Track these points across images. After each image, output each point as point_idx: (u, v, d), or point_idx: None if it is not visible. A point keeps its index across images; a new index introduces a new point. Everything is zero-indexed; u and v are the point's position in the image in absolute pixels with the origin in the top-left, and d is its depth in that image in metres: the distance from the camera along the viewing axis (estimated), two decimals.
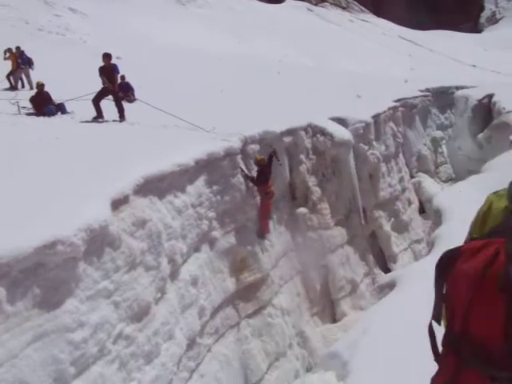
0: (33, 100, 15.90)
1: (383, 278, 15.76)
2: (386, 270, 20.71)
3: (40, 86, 16.27)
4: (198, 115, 14.87)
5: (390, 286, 10.25)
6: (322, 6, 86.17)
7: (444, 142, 34.86)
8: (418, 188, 27.92)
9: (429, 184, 28.51)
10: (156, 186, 9.50)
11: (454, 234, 12.30)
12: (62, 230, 6.59)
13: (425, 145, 30.84)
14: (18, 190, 7.63)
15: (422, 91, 32.42)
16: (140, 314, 8.23)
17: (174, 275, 9.84)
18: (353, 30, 76.02)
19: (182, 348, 9.50)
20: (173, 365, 8.92)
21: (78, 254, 6.80)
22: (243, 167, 13.19)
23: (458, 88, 37.29)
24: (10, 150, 10.13)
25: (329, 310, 17.72)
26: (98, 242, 7.39)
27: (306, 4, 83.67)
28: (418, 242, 24.23)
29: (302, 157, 16.71)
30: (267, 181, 13.55)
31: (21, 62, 21.06)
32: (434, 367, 1.87)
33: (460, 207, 14.76)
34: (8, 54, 21.57)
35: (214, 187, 11.80)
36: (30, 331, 6.14)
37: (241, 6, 69.76)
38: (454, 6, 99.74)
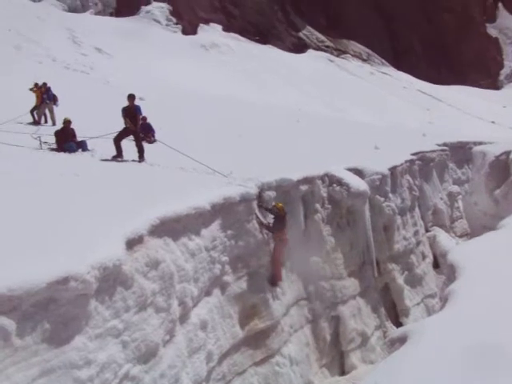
0: (57, 134, 16.12)
1: (395, 331, 15.47)
2: (398, 324, 20.38)
3: (67, 122, 16.52)
4: (216, 159, 15.00)
5: (402, 340, 10.08)
6: (343, 58, 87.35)
7: (460, 196, 34.70)
8: (432, 242, 27.66)
9: (444, 238, 28.24)
10: (171, 228, 9.55)
11: (468, 289, 12.14)
12: (75, 266, 6.63)
13: (441, 199, 30.71)
14: (35, 224, 7.72)
15: (439, 145, 32.47)
16: (147, 356, 8.18)
17: (183, 318, 9.79)
18: (373, 82, 76.80)
19: None
20: None
21: (89, 292, 6.82)
22: (259, 214, 13.21)
23: (475, 143, 37.28)
24: (31, 184, 10.26)
25: (338, 361, 17.42)
26: (111, 280, 7.41)
27: (328, 55, 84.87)
28: (431, 296, 23.89)
29: (318, 206, 16.71)
30: (283, 228, 13.55)
31: (46, 97, 21.48)
32: None
33: (475, 263, 14.60)
34: (34, 88, 22.03)
35: (229, 231, 11.82)
36: (37, 366, 6.13)
37: (263, 54, 70.93)
38: (473, 62, 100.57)
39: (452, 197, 33.40)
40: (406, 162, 24.17)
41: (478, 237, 20.86)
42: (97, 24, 59.35)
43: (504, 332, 9.00)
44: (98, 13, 68.20)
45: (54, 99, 21.80)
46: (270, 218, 13.63)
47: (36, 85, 22.23)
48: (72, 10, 66.02)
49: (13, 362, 5.89)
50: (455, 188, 34.30)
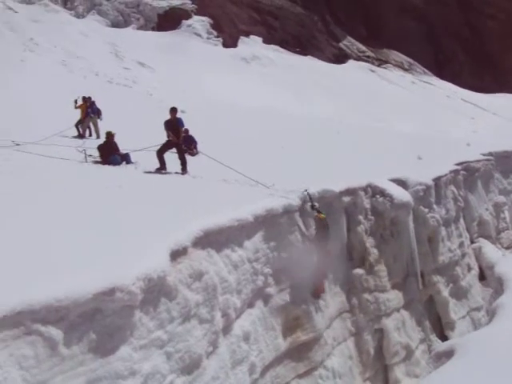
0: (100, 148, 16.44)
1: (441, 345, 15.16)
2: (443, 338, 19.98)
3: (110, 135, 16.82)
4: (258, 171, 15.04)
5: (448, 354, 9.88)
6: (384, 68, 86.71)
7: (506, 207, 33.92)
8: (478, 254, 27.07)
9: (490, 250, 27.61)
10: (214, 240, 9.59)
11: None
12: (120, 277, 6.71)
13: (487, 210, 30.06)
14: (81, 236, 7.85)
15: (484, 155, 31.85)
16: (191, 367, 8.19)
17: (226, 330, 9.79)
18: (415, 92, 76.01)
19: None
20: None
21: (135, 303, 6.89)
22: (301, 225, 13.15)
23: None
24: (76, 195, 10.46)
25: (382, 375, 17.15)
26: (155, 291, 7.47)
27: (369, 65, 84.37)
28: (477, 309, 23.36)
29: (361, 217, 16.56)
30: (326, 240, 13.45)
31: (90, 111, 21.91)
32: None
33: None
34: (79, 103, 22.50)
35: (271, 243, 11.79)
36: (83, 376, 6.21)
37: (305, 66, 70.94)
38: None
39: (498, 207, 32.67)
40: (451, 172, 23.78)
41: None
42: (139, 38, 60.38)
43: None
44: (139, 27, 69.31)
45: (98, 113, 22.24)
46: (313, 231, 13.55)
47: (83, 98, 22.69)
48: (115, 25, 67.34)
49: (60, 371, 5.97)
50: (501, 198, 33.54)
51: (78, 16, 65.55)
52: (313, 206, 13.52)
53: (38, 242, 7.40)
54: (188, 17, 72.88)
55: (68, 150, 16.54)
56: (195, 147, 19.55)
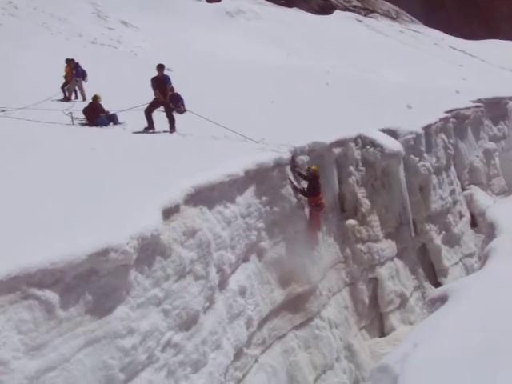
0: (85, 111, 16.26)
1: (435, 291, 15.41)
2: (437, 284, 20.30)
3: (96, 98, 16.60)
4: (248, 126, 14.93)
5: (442, 299, 10.03)
6: (371, 17, 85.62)
7: (497, 153, 34.00)
8: (469, 201, 27.28)
9: (481, 197, 27.82)
10: (206, 196, 9.58)
11: (508, 247, 11.99)
12: (114, 237, 6.70)
13: (477, 157, 30.16)
14: (72, 197, 7.82)
15: (474, 102, 31.77)
16: (188, 323, 8.28)
17: (222, 285, 9.87)
18: (403, 41, 75.26)
19: (230, 358, 9.50)
20: (220, 374, 8.92)
21: (129, 262, 6.91)
22: (292, 178, 13.15)
23: (511, 98, 36.42)
24: (65, 159, 10.38)
25: (377, 323, 17.47)
26: (150, 250, 7.49)
27: (355, 15, 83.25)
28: (469, 256, 23.68)
29: (352, 168, 16.58)
30: (318, 193, 13.46)
31: (75, 73, 21.56)
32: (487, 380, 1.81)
33: None
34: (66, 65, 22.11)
35: (263, 198, 11.81)
36: (81, 336, 6.25)
37: (290, 18, 69.96)
38: (506, 14, 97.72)
39: (488, 154, 32.77)
40: (440, 120, 23.76)
41: None
42: None
43: None
44: None
45: (83, 75, 21.87)
46: (304, 183, 13.56)
47: (67, 60, 22.26)
48: None
49: (58, 333, 6.01)
50: (491, 145, 33.60)
51: None
52: (299, 173, 13.49)
53: (29, 205, 7.36)
54: None
55: (55, 113, 16.33)
56: (182, 104, 19.32)
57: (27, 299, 5.76)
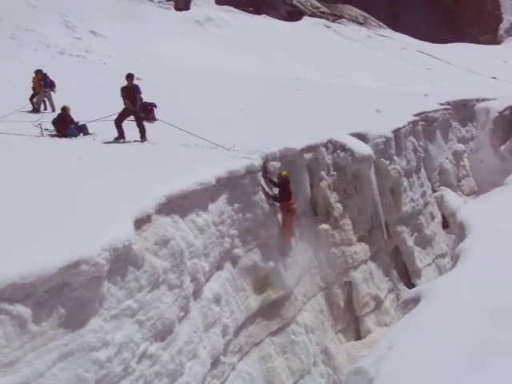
0: (55, 122, 16.13)
1: (408, 293, 15.55)
2: (410, 286, 20.49)
3: (65, 109, 16.46)
4: (218, 134, 14.95)
5: (415, 300, 10.13)
6: (339, 23, 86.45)
7: (466, 155, 34.53)
8: (440, 202, 27.65)
9: (451, 198, 28.21)
10: (178, 205, 9.55)
11: (479, 246, 12.17)
12: (85, 249, 6.66)
13: (446, 158, 30.59)
14: (42, 210, 7.74)
15: (442, 104, 32.23)
16: (164, 333, 8.25)
17: (196, 294, 9.85)
18: (371, 46, 76.10)
19: (206, 367, 9.48)
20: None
21: (102, 274, 6.86)
22: (264, 185, 13.18)
23: (478, 100, 36.99)
24: (33, 170, 10.27)
25: (353, 326, 17.56)
26: (122, 261, 7.45)
27: (323, 21, 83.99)
28: (441, 256, 23.97)
29: (323, 173, 16.67)
30: (290, 197, 13.51)
31: (43, 84, 21.36)
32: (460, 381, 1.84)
33: (484, 221, 14.61)
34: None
35: (236, 205, 11.81)
36: (55, 350, 6.19)
37: (259, 25, 70.29)
38: (472, 18, 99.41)
39: (457, 155, 33.27)
40: (410, 123, 24.05)
41: (486, 194, 20.87)
42: (89, 7, 58.71)
43: None
44: None
45: (51, 85, 21.67)
46: (276, 189, 13.60)
47: (35, 71, 22.04)
48: None
49: (31, 347, 5.95)
50: (460, 146, 34.12)
51: None
52: (271, 180, 13.53)
53: (0, 219, 7.28)
54: None
55: (23, 125, 16.16)
56: (155, 105, 19.29)
57: None
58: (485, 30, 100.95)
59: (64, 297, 6.44)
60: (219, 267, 11.09)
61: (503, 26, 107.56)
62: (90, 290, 6.74)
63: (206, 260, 10.20)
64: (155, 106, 19.27)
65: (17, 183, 9.19)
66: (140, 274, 7.83)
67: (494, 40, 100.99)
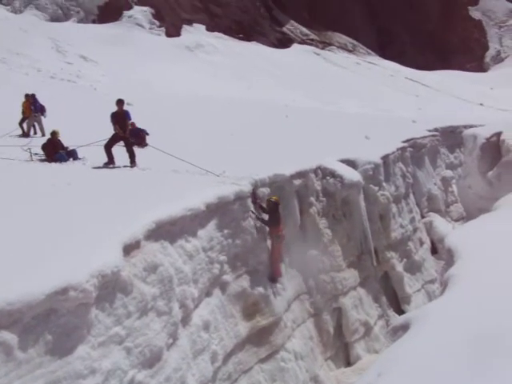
0: (44, 147, 16.12)
1: (397, 319, 15.52)
2: (400, 312, 20.44)
3: (54, 134, 16.47)
4: (208, 160, 14.99)
5: (404, 327, 10.10)
6: (328, 50, 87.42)
7: (454, 181, 34.80)
8: (429, 228, 27.74)
9: (440, 223, 28.32)
10: (167, 231, 9.53)
11: (467, 273, 12.18)
12: (73, 275, 6.63)
13: (435, 184, 30.78)
14: (30, 235, 7.71)
15: (430, 131, 32.51)
16: (152, 360, 8.17)
17: (185, 320, 9.78)
18: (359, 73, 76.91)
19: None
20: None
21: (89, 300, 6.82)
22: (254, 210, 13.19)
23: (466, 127, 37.35)
24: (23, 195, 10.24)
25: (343, 353, 17.46)
26: (110, 287, 7.41)
27: (313, 48, 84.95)
28: (431, 282, 23.97)
29: (312, 199, 16.71)
30: (279, 223, 13.53)
31: (33, 109, 21.38)
32: None
33: (472, 246, 14.65)
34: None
35: (225, 231, 11.80)
36: (41, 378, 6.13)
37: (249, 52, 70.92)
38: (458, 46, 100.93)
39: (446, 181, 33.50)
40: (398, 149, 24.22)
41: (474, 219, 20.95)
42: (80, 32, 59.22)
43: (504, 317, 9.04)
44: (80, 20, 68.05)
45: (41, 110, 21.71)
46: (265, 216, 13.60)
47: (26, 95, 22.10)
48: (54, 19, 65.87)
49: (17, 375, 5.88)
50: (448, 172, 34.39)
51: (16, 11, 63.90)
52: (260, 206, 13.55)
53: None
54: (129, 7, 71.99)
55: (13, 149, 16.14)
56: (147, 133, 19.42)
57: None
58: (471, 58, 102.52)
59: (51, 323, 6.39)
60: (208, 293, 11.03)
61: (489, 54, 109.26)
62: (77, 316, 6.69)
63: (195, 286, 10.16)
64: (147, 134, 19.39)
65: (4, 208, 9.15)
66: (128, 301, 7.78)
67: (481, 67, 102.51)
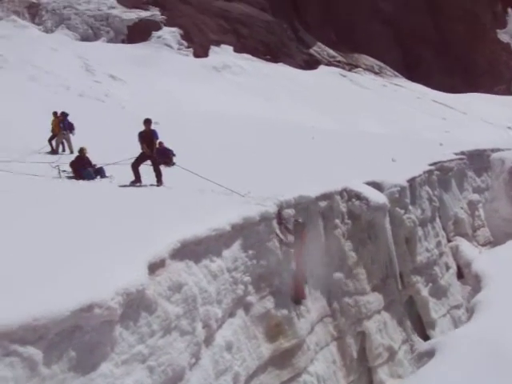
0: (72, 164, 16.33)
1: (422, 345, 15.26)
2: (425, 337, 20.15)
3: (82, 150, 16.72)
4: (234, 179, 15.02)
5: (430, 354, 9.95)
6: (355, 72, 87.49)
7: (481, 205, 34.38)
8: (455, 252, 27.38)
9: (466, 248, 27.94)
10: (192, 250, 9.55)
11: (495, 299, 11.99)
12: (99, 293, 6.64)
13: (461, 208, 30.43)
14: (55, 251, 7.76)
15: (457, 154, 32.26)
16: (174, 380, 8.14)
17: (208, 340, 9.74)
18: (386, 95, 76.75)
19: None
20: None
21: (114, 318, 6.83)
22: (279, 232, 13.16)
23: (493, 150, 37.02)
24: (50, 211, 10.35)
25: (366, 377, 17.21)
26: (135, 305, 7.41)
27: (339, 70, 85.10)
28: (456, 307, 23.60)
29: (338, 221, 16.63)
30: (303, 245, 13.47)
31: (63, 126, 21.71)
32: None
33: (500, 272, 14.44)
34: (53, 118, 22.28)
35: (250, 251, 11.78)
36: None
37: (276, 73, 71.29)
38: (486, 69, 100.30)
39: (472, 205, 33.09)
40: (425, 172, 24.05)
41: (502, 245, 20.67)
42: (109, 51, 60.22)
43: None
44: (109, 40, 69.26)
45: (70, 128, 22.03)
46: (291, 237, 13.56)
47: (55, 113, 22.47)
48: (84, 38, 67.19)
49: None
50: (475, 196, 33.98)
51: (47, 31, 65.30)
52: (286, 227, 13.52)
53: (14, 260, 7.29)
54: (158, 28, 73.01)
55: (41, 166, 16.37)
56: (173, 154, 19.57)
57: (9, 356, 5.66)
58: (499, 81, 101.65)
59: (75, 340, 6.40)
60: (231, 314, 10.99)
61: None
62: (101, 333, 6.71)
63: (218, 306, 10.13)
64: (174, 155, 19.55)
65: (32, 224, 9.25)
66: (152, 319, 7.78)
67: (509, 91, 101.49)
